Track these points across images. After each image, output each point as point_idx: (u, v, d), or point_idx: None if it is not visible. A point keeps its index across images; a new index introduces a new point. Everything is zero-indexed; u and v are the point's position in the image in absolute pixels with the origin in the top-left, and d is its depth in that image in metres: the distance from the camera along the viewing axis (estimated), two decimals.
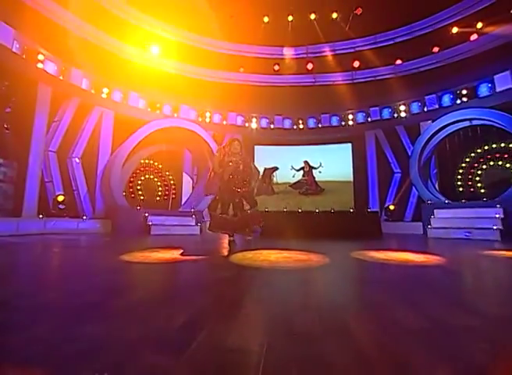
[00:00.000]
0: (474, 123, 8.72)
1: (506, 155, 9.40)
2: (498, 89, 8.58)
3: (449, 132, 9.19)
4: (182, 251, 3.81)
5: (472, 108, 8.43)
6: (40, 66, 7.16)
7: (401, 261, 3.05)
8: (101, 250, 4.32)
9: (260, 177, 12.66)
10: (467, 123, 8.84)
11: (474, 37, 9.54)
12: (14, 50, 6.57)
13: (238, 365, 0.86)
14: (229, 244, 4.35)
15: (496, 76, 8.60)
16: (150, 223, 7.36)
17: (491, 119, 7.93)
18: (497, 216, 6.66)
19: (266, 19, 11.35)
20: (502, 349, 0.98)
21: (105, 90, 8.47)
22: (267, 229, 8.06)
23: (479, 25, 9.41)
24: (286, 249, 3.88)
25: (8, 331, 1.07)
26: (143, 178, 11.81)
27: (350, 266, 2.91)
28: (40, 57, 7.21)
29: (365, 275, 2.52)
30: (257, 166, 4.95)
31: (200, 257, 3.42)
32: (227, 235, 4.60)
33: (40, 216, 6.47)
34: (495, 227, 6.40)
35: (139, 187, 11.39)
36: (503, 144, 9.41)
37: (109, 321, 1.18)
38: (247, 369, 0.83)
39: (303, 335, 1.06)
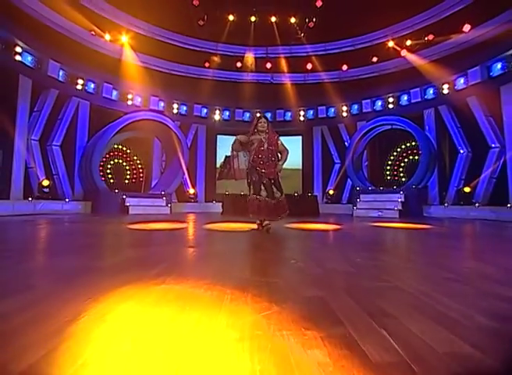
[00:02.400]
0: (394, 126, 11.00)
1: (414, 151, 11.91)
2: (413, 101, 10.89)
3: (377, 132, 11.42)
4: (168, 223, 5.30)
5: (389, 115, 10.64)
6: (18, 58, 7.72)
7: (314, 228, 4.87)
8: (107, 223, 5.59)
9: (222, 164, 14.23)
10: (389, 126, 11.11)
11: (404, 53, 11.64)
12: None
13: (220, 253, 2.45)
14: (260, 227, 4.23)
15: (411, 91, 10.87)
16: (128, 204, 8.56)
17: (401, 124, 10.22)
18: (399, 200, 9.00)
19: (231, 18, 12.39)
20: (354, 270, 2.70)
21: (80, 81, 9.16)
22: (228, 208, 9.76)
23: (408, 42, 11.50)
24: (241, 222, 5.56)
25: (100, 258, 2.54)
26: (112, 162, 12.65)
27: (278, 230, 4.58)
28: (18, 49, 7.75)
29: (284, 235, 4.24)
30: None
31: (182, 226, 4.96)
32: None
33: (30, 198, 7.37)
34: (396, 208, 8.73)
35: (108, 171, 12.24)
36: (414, 143, 11.92)
37: (150, 250, 2.69)
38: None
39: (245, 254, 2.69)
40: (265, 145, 4.18)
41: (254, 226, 4.36)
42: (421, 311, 1.18)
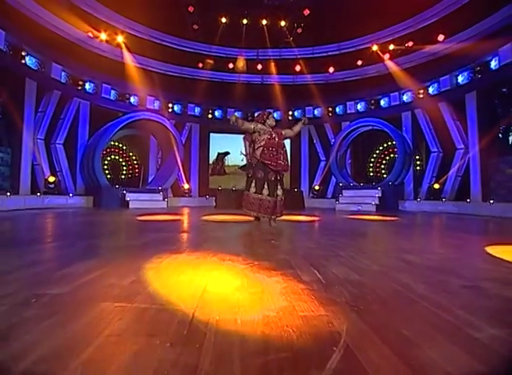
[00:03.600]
0: (375, 127, 11.91)
1: (395, 150, 12.87)
2: (392, 103, 11.80)
3: (359, 132, 12.32)
4: (170, 216, 6.05)
5: (369, 117, 11.53)
6: (24, 61, 8.23)
7: (296, 220, 5.70)
8: (116, 216, 6.30)
9: (214, 160, 14.93)
10: (370, 127, 12.01)
11: (386, 57, 12.46)
12: (3, 49, 7.62)
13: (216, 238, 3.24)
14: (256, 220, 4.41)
15: (391, 94, 11.77)
16: (128, 199, 9.24)
17: (379, 125, 11.13)
18: (377, 195, 9.94)
19: (224, 20, 12.97)
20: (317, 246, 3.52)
21: (80, 82, 9.71)
22: (221, 202, 10.53)
23: (391, 46, 12.31)
24: (234, 214, 6.36)
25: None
26: (109, 158, 13.23)
27: (265, 221, 5.41)
28: (24, 53, 8.26)
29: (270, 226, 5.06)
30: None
31: (182, 218, 5.73)
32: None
33: (38, 193, 7.98)
34: (373, 203, 9.67)
35: (105, 167, 12.82)
36: (394, 142, 12.87)
37: (164, 234, 3.46)
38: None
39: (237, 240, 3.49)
40: (276, 138, 4.15)
41: (247, 218, 4.99)
42: (345, 265, 2.00)
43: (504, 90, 8.37)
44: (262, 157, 4.08)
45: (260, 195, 4.13)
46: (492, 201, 7.77)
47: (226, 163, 14.39)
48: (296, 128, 4.60)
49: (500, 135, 8.65)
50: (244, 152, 4.47)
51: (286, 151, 4.30)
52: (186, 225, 4.92)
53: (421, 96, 10.76)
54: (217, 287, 1.53)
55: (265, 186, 4.13)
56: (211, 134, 14.12)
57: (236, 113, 4.87)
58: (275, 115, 13.92)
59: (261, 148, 4.08)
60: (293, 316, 1.13)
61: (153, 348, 0.88)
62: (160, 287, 1.47)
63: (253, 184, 4.19)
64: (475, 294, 1.47)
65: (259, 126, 4.23)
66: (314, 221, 5.71)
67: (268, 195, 4.14)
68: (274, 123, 4.35)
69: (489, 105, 8.77)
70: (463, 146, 9.52)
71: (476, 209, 8.22)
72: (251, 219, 4.58)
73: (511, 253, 2.45)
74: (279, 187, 4.26)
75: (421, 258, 2.28)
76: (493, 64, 8.48)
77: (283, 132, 4.40)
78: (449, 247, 2.97)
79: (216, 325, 1.04)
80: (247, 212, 4.27)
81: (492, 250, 2.57)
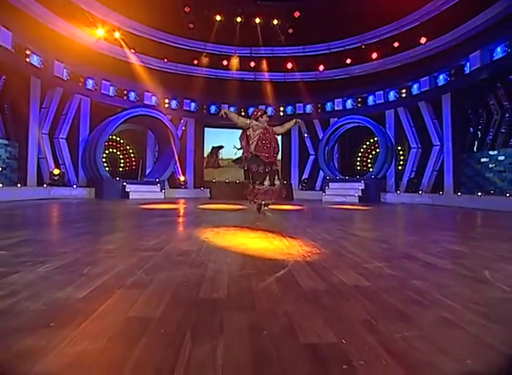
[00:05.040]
0: (360, 124, 12.64)
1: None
2: (377, 101, 12.54)
3: (345, 129, 13.05)
4: (170, 205, 6.74)
5: (354, 114, 12.25)
6: (29, 60, 8.70)
7: (282, 209, 6.43)
8: (121, 205, 6.93)
9: (208, 154, 15.57)
10: (356, 124, 12.74)
11: (375, 55, 13.07)
12: (10, 49, 8.08)
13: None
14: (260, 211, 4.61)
15: (376, 93, 12.49)
16: (128, 190, 9.87)
17: (363, 122, 11.87)
18: (360, 187, 10.75)
19: (219, 18, 13.44)
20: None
21: (81, 79, 10.19)
22: (215, 193, 11.22)
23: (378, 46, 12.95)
24: (227, 204, 7.08)
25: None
26: (107, 152, 13.74)
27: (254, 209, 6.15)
28: (28, 52, 8.72)
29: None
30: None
31: (182, 206, 6.42)
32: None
33: (44, 185, 8.56)
34: (356, 195, 10.48)
35: (104, 160, 13.34)
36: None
37: (170, 218, 4.16)
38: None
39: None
40: (271, 131, 4.39)
41: (239, 207, 5.76)
42: (308, 237, 2.73)
43: (474, 92, 9.14)
44: (256, 150, 4.33)
45: (262, 186, 4.41)
46: (459, 194, 8.63)
47: (220, 157, 15.01)
48: (287, 126, 4.79)
49: (471, 133, 9.47)
50: (239, 146, 4.71)
51: (278, 145, 4.59)
52: (187, 212, 5.62)
53: (404, 95, 11.52)
54: (221, 241, 2.26)
55: (266, 177, 4.42)
56: (206, 129, 14.72)
57: (227, 108, 5.10)
58: (267, 111, 14.77)
59: (255, 142, 4.34)
60: (266, 251, 1.86)
61: (180, 270, 1.60)
62: (171, 247, 2.19)
63: (251, 176, 4.47)
64: (384, 249, 2.23)
65: (254, 122, 4.48)
66: (296, 210, 6.46)
67: (270, 185, 4.44)
68: (267, 120, 4.56)
69: (461, 105, 9.57)
70: (439, 143, 10.34)
71: (447, 201, 9.07)
72: (242, 207, 5.29)
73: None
74: (276, 177, 4.55)
75: (364, 233, 3.03)
76: (466, 68, 9.24)
77: (274, 129, 4.65)
78: (388, 227, 3.74)
79: (214, 261, 1.77)
80: (257, 202, 4.55)
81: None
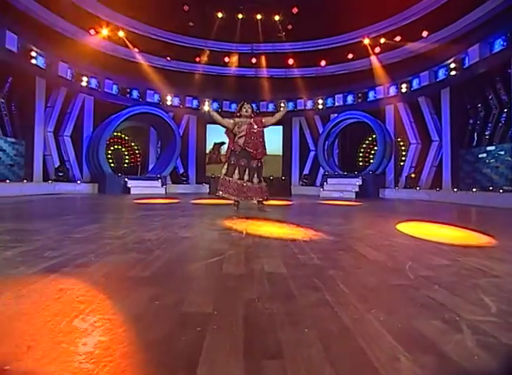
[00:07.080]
0: (360, 119, 12.61)
1: None
2: (378, 97, 12.47)
3: (345, 124, 13.03)
4: (169, 200, 7.01)
5: (354, 110, 12.22)
6: (33, 61, 9.07)
7: (277, 204, 6.59)
8: (126, 199, 7.26)
9: (210, 150, 15.80)
10: (355, 119, 12.72)
11: (377, 50, 12.96)
12: (16, 51, 8.44)
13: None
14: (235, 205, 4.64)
15: (376, 88, 12.42)
16: (130, 186, 10.22)
17: (362, 118, 11.84)
18: (357, 183, 10.79)
19: (220, 15, 13.57)
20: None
21: (85, 78, 10.54)
22: (214, 189, 11.45)
23: (382, 40, 12.82)
24: (220, 198, 7.28)
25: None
26: (112, 148, 14.16)
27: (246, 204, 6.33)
28: (33, 54, 9.09)
29: (250, 207, 5.97)
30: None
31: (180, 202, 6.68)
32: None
33: (50, 181, 8.99)
34: (353, 190, 10.53)
35: (109, 156, 13.76)
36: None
37: (165, 209, 4.41)
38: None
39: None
40: (255, 126, 4.38)
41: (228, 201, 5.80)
42: (294, 220, 2.92)
43: (473, 87, 9.02)
44: (246, 145, 4.36)
45: (241, 181, 4.43)
46: (455, 190, 8.60)
47: (222, 152, 15.23)
48: (277, 115, 4.68)
49: (469, 129, 9.37)
50: (224, 141, 4.85)
51: (264, 139, 4.54)
52: (172, 206, 5.88)
53: (405, 90, 11.43)
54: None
55: (246, 172, 4.45)
56: (208, 125, 14.92)
57: (209, 101, 5.31)
58: (269, 106, 14.90)
59: (244, 137, 4.38)
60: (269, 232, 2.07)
61: (127, 254, 1.83)
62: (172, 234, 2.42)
63: (236, 171, 4.47)
64: (331, 242, 2.40)
65: (237, 119, 4.55)
66: (287, 205, 6.62)
67: (248, 181, 4.47)
68: (249, 110, 4.53)
69: (460, 100, 9.46)
70: (438, 139, 10.26)
71: (445, 197, 9.05)
72: (231, 202, 5.40)
73: (408, 227, 3.35)
74: (255, 174, 4.55)
75: (327, 227, 3.20)
76: (465, 62, 9.12)
77: (263, 120, 4.61)
78: (358, 221, 3.88)
79: (163, 249, 1.99)
80: (225, 196, 4.56)
81: (401, 226, 3.48)
